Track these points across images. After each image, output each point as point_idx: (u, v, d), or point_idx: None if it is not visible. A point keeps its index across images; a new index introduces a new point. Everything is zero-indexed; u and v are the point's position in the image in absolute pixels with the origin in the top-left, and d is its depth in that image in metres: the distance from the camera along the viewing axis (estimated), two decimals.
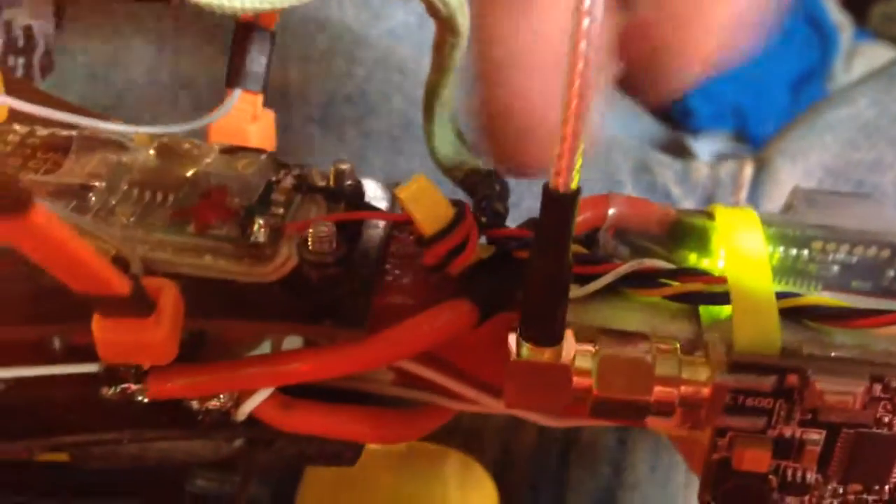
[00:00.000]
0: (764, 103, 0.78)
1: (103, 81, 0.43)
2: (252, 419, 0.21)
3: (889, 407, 0.20)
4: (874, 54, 0.85)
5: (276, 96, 0.45)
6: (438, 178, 0.46)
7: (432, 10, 0.24)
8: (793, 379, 0.20)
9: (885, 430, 0.20)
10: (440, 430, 0.38)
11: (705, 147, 0.72)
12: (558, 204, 0.18)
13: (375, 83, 0.44)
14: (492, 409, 0.22)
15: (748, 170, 0.45)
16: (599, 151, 0.45)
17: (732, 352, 0.20)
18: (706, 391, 0.20)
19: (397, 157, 0.43)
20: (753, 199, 0.44)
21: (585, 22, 0.16)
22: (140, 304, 0.17)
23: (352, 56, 0.45)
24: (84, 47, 0.43)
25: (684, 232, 0.24)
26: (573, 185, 0.18)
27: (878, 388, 0.20)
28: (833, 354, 0.20)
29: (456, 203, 0.22)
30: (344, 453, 0.22)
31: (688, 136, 0.81)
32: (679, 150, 0.58)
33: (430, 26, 0.50)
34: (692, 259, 0.24)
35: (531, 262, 0.19)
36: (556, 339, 0.20)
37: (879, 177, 0.44)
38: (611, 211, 0.24)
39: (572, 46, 0.16)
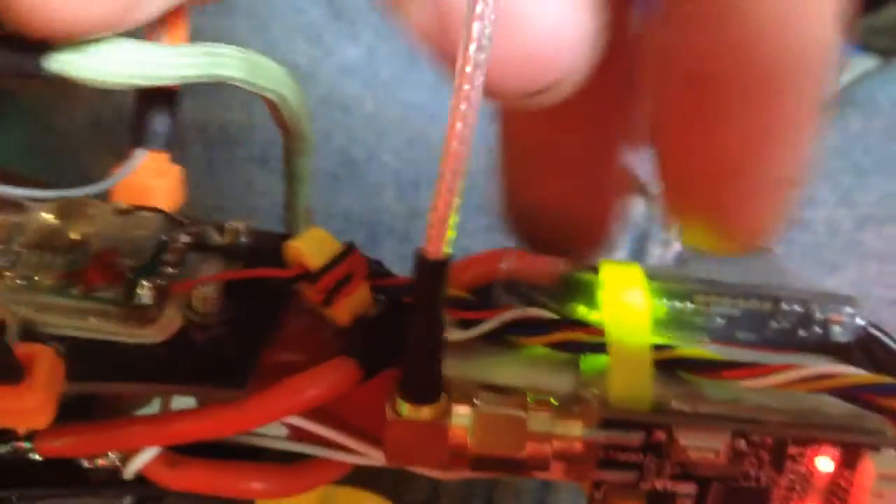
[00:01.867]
0: None
1: (46, 125, 0.43)
2: (141, 477, 0.22)
3: (755, 461, 0.21)
4: (861, 66, 0.85)
5: (219, 136, 0.46)
6: (379, 220, 0.46)
7: (275, 116, 0.25)
8: (660, 435, 0.21)
9: (753, 484, 0.21)
10: (368, 471, 0.38)
11: None
12: (431, 269, 0.19)
13: (318, 121, 0.45)
14: (383, 462, 0.23)
15: None
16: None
17: (604, 407, 0.21)
18: (579, 446, 0.21)
19: (337, 195, 0.44)
20: None
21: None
22: (9, 373, 0.18)
23: None
24: (26, 90, 0.43)
25: (572, 286, 0.25)
26: (445, 251, 0.19)
27: (741, 443, 0.20)
28: (701, 409, 0.21)
29: (346, 243, 0.23)
30: None
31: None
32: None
33: (380, 61, 0.51)
34: (581, 312, 0.25)
35: (408, 324, 0.20)
36: (432, 397, 0.21)
37: (812, 213, 0.44)
38: (503, 265, 0.25)
39: (450, 124, 0.17)
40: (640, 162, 0.24)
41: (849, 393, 0.20)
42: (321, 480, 0.23)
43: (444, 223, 0.18)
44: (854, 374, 0.20)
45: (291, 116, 0.26)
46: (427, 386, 0.21)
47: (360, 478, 0.38)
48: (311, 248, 0.22)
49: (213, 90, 0.33)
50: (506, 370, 0.23)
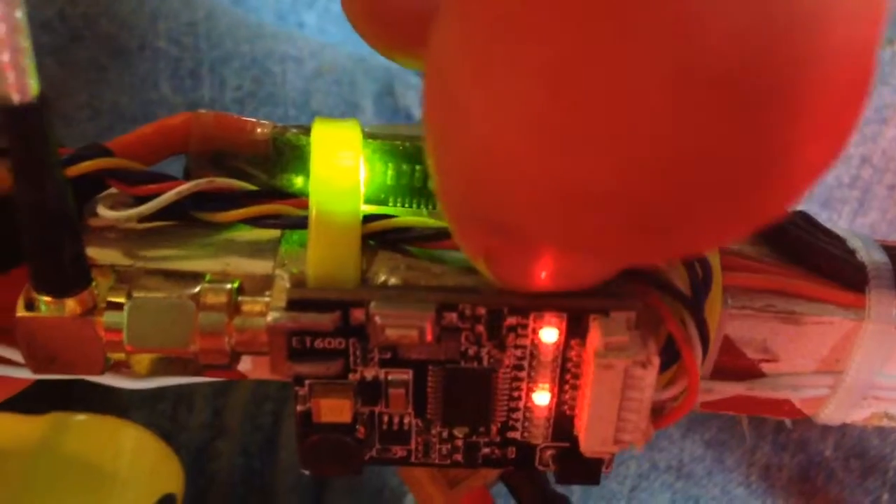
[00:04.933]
0: None
1: None
2: None
3: (472, 338, 0.17)
4: None
5: None
6: (154, 115, 0.41)
7: None
8: (359, 314, 0.17)
9: (474, 365, 0.18)
10: (148, 397, 0.34)
11: None
12: (20, 118, 0.15)
13: (79, 5, 0.39)
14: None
15: None
16: (342, 77, 0.42)
17: (294, 287, 0.17)
18: (263, 336, 0.17)
19: (104, 88, 0.39)
20: None
21: None
22: None
23: None
24: None
25: (283, 152, 0.21)
26: (32, 92, 0.15)
27: (452, 317, 0.17)
28: (411, 282, 0.18)
29: None
30: None
31: None
32: None
33: None
34: (298, 183, 0.21)
35: (16, 195, 0.16)
36: (74, 287, 0.17)
37: None
38: (196, 131, 0.20)
39: None
40: None
41: None
42: None
43: (19, 52, 0.14)
44: None
45: None
46: (63, 272, 0.16)
47: (135, 401, 0.34)
48: None
49: None
50: (195, 254, 0.19)
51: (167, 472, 0.29)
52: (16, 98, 0.15)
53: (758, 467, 0.35)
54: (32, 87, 0.15)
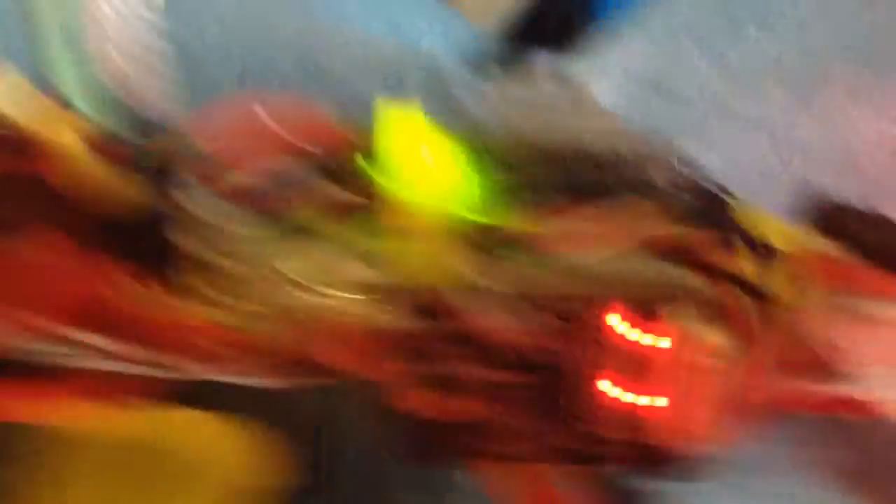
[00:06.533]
0: None
1: None
2: None
3: (556, 335, 0.18)
4: None
5: None
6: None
7: None
8: (452, 316, 0.18)
9: (566, 365, 0.19)
10: (250, 395, 0.35)
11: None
12: None
13: None
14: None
15: None
16: (388, 66, 0.43)
17: (392, 292, 0.18)
18: (358, 337, 0.18)
19: None
20: None
21: None
22: None
23: None
24: None
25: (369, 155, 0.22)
26: None
27: (540, 316, 0.18)
28: (501, 285, 0.19)
29: None
30: None
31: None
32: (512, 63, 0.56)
33: None
34: (389, 187, 0.22)
35: None
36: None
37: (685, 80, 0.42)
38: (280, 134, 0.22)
39: None
40: None
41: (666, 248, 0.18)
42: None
43: None
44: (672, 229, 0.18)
45: None
46: None
47: (239, 402, 0.35)
48: None
49: None
50: (300, 256, 0.20)
51: (267, 467, 0.29)
52: None
53: (821, 463, 0.35)
54: None
